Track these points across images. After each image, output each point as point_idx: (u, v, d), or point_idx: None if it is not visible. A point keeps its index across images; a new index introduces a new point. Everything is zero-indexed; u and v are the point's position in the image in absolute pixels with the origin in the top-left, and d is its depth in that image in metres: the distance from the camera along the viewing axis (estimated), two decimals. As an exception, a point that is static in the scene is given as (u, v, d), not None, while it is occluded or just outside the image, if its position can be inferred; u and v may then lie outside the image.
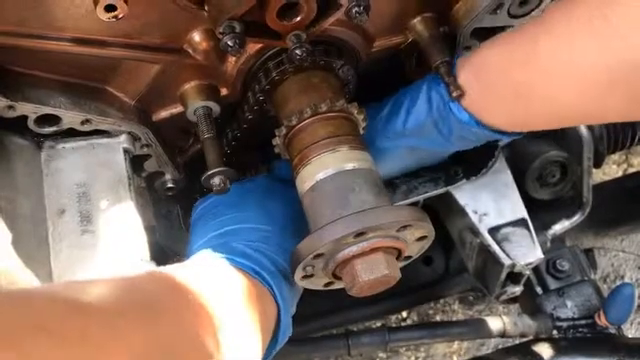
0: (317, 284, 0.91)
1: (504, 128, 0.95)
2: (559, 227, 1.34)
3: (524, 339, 1.40)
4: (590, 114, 0.90)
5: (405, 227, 0.85)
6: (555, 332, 1.37)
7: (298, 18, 0.84)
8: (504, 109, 0.92)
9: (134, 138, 0.97)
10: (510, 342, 1.47)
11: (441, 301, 2.07)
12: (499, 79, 0.90)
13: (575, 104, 0.85)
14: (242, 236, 0.91)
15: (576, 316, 1.37)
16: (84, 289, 0.63)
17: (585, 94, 0.82)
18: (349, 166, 0.88)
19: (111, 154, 0.95)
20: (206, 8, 0.82)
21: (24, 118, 0.88)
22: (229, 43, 0.81)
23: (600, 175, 2.19)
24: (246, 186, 0.99)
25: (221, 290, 0.79)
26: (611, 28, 0.73)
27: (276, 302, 0.86)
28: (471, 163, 1.11)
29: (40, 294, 0.62)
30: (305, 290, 0.95)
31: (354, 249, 0.84)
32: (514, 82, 0.88)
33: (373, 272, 0.83)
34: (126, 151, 0.96)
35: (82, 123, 0.92)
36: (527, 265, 1.14)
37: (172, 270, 0.79)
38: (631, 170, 2.37)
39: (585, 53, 0.78)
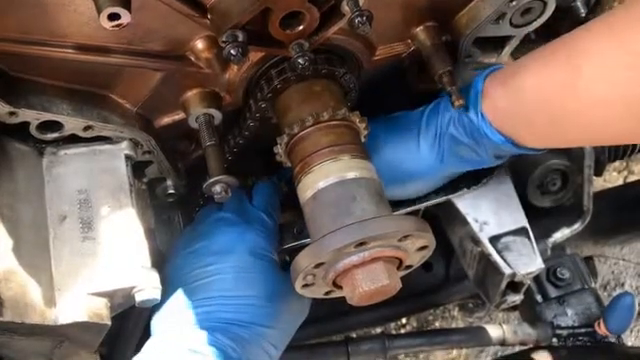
0: (317, 293, 0.91)
1: (538, 147, 0.94)
2: (560, 235, 1.34)
3: (524, 347, 1.40)
4: (627, 136, 0.89)
5: (406, 237, 0.85)
6: (555, 340, 1.37)
7: (301, 27, 0.85)
8: (541, 132, 0.91)
9: (136, 144, 0.97)
10: (510, 350, 1.47)
11: (441, 308, 2.07)
12: (538, 104, 0.88)
13: (615, 129, 0.84)
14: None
15: (576, 324, 1.37)
16: None
17: (625, 121, 0.80)
18: (350, 175, 0.88)
19: (113, 161, 0.95)
20: (209, 16, 0.82)
21: (26, 124, 0.88)
22: (232, 52, 0.81)
23: (601, 182, 2.19)
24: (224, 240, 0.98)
25: None
26: None
27: None
28: (473, 172, 1.10)
29: None
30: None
31: (355, 259, 0.84)
32: (553, 108, 0.86)
33: (373, 282, 0.83)
34: (128, 157, 0.96)
35: (84, 129, 0.92)
36: (528, 275, 1.14)
37: None
38: (632, 177, 2.38)
39: (627, 84, 0.76)
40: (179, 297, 0.93)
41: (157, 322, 0.94)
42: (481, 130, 0.93)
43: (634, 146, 1.46)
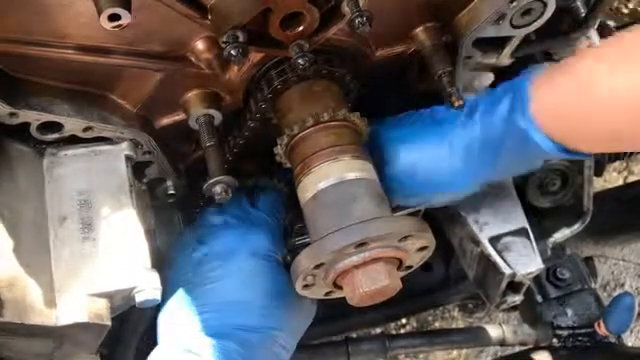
0: (317, 293, 0.91)
1: (586, 150, 0.89)
2: (559, 235, 1.34)
3: (523, 347, 1.40)
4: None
5: (406, 237, 0.85)
6: (555, 340, 1.37)
7: (301, 28, 0.85)
8: (586, 133, 0.87)
9: (136, 145, 0.97)
10: (510, 350, 1.48)
11: (441, 308, 2.07)
12: (581, 103, 0.84)
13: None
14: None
15: (576, 325, 1.37)
16: None
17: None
18: (351, 176, 0.88)
19: (113, 161, 0.95)
20: (209, 17, 0.82)
21: (26, 125, 0.88)
22: (232, 52, 0.81)
23: (601, 182, 2.19)
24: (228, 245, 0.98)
25: None
26: None
27: None
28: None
29: None
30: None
31: (355, 259, 0.84)
32: (586, 109, 0.84)
33: (374, 282, 0.84)
34: (128, 158, 0.96)
35: (84, 130, 0.92)
36: (527, 275, 1.14)
37: None
38: (631, 177, 2.38)
39: (631, 95, 0.77)
40: (184, 303, 0.93)
41: (163, 329, 0.93)
42: (529, 137, 0.87)
43: (634, 147, 1.45)
